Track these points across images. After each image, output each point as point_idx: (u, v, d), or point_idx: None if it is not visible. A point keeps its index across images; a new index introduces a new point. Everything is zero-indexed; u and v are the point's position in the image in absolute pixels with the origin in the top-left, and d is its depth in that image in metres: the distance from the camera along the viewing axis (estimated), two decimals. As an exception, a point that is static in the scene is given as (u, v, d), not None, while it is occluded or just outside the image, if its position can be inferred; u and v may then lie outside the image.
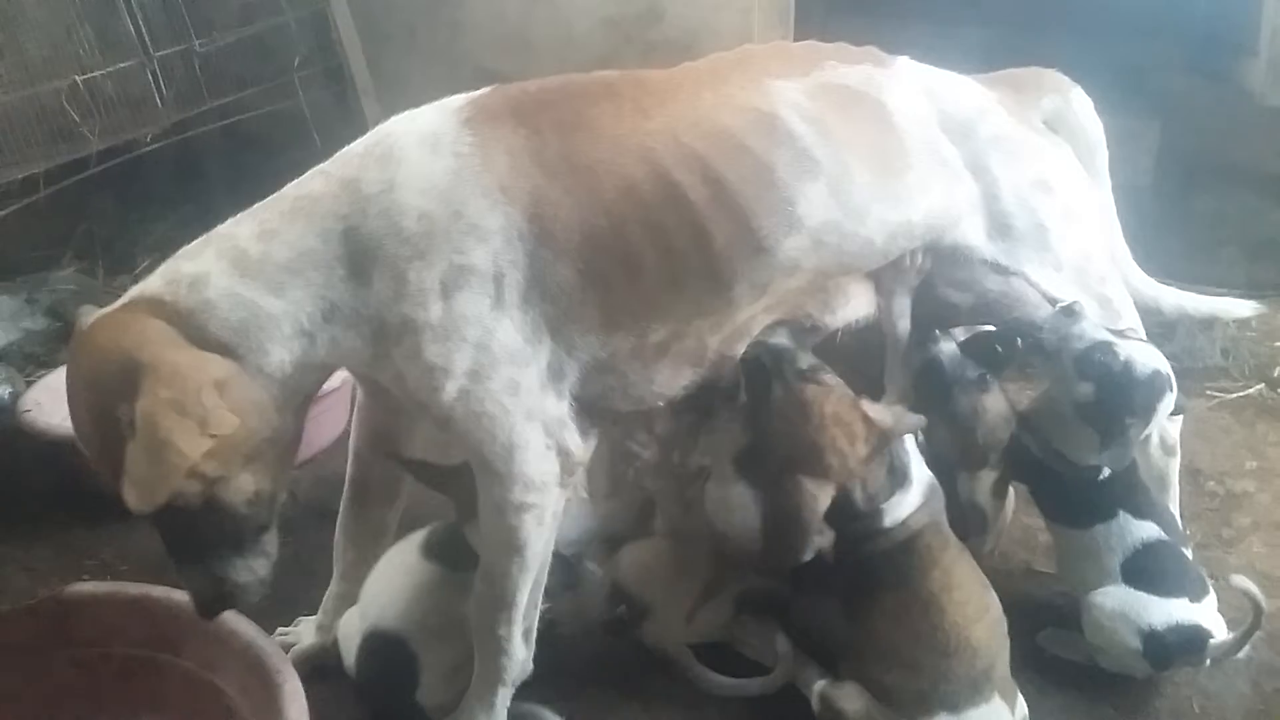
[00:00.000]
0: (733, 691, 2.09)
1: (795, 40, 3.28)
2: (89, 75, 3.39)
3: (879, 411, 1.95)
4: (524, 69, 3.47)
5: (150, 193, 4.38)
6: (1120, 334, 2.09)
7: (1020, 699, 1.91)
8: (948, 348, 2.14)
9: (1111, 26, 3.83)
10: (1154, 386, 2.01)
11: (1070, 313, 2.07)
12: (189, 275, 1.70)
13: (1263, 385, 3.19)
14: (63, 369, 2.96)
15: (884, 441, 1.94)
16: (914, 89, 2.12)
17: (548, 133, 1.85)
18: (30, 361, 3.50)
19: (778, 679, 2.08)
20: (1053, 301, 2.13)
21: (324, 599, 2.21)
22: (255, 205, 1.81)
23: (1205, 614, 2.02)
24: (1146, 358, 2.04)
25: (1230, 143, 3.66)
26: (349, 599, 2.16)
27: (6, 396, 3.07)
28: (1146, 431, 2.08)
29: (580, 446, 1.90)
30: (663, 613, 2.14)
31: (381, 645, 1.98)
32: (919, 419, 2.00)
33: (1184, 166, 3.69)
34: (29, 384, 3.08)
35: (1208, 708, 2.02)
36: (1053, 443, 2.13)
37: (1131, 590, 2.02)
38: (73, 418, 1.69)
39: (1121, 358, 2.01)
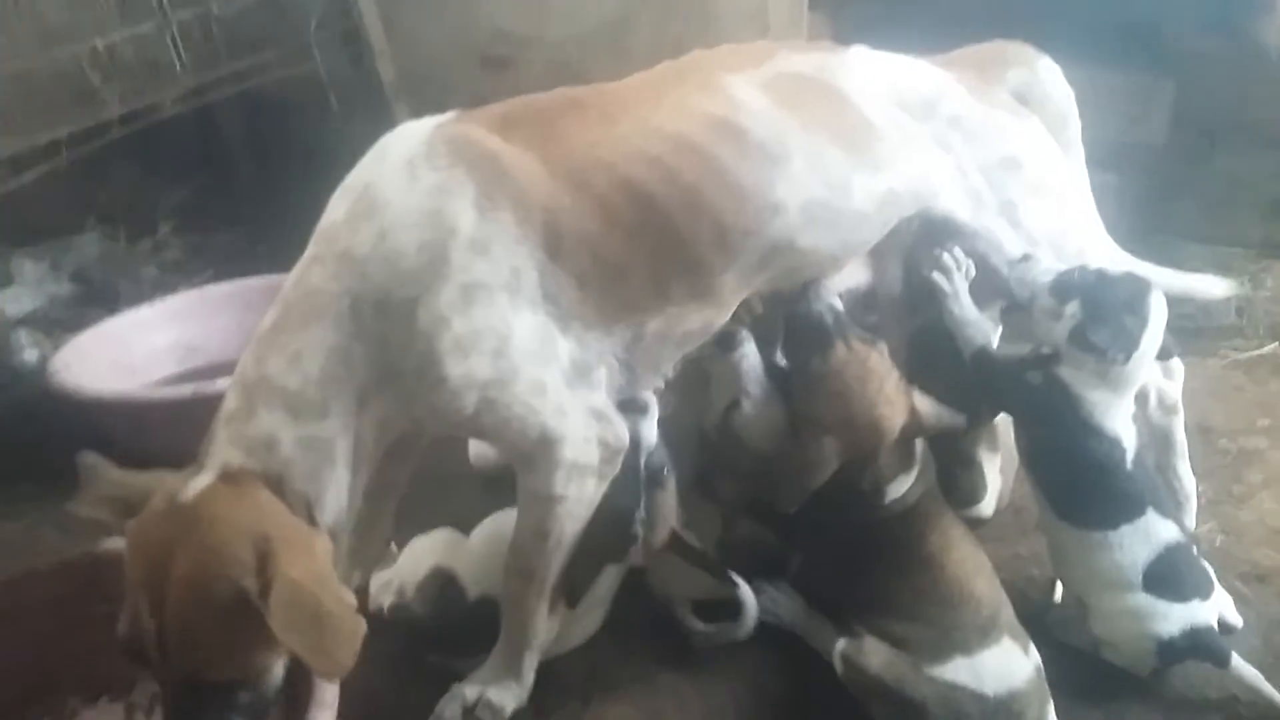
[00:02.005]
0: (709, 639, 2.12)
1: (809, 8, 3.29)
2: (108, 39, 3.39)
3: (924, 403, 2.01)
4: (538, 31, 3.50)
5: (170, 157, 4.39)
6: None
7: (1033, 646, 1.93)
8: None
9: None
10: (1133, 282, 1.99)
11: (1026, 258, 2.08)
12: (258, 438, 1.70)
13: (1276, 344, 3.21)
14: (90, 331, 3.09)
15: (918, 433, 2.00)
16: (869, 73, 2.13)
17: (520, 144, 1.86)
18: (57, 326, 3.54)
19: (745, 624, 2.10)
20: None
21: (338, 555, 2.24)
22: (265, 327, 1.78)
23: (1215, 610, 2.00)
24: (1115, 266, 2.04)
25: (1246, 101, 3.63)
26: (360, 554, 2.19)
27: (35, 359, 3.15)
28: (1149, 337, 1.97)
29: (619, 436, 1.93)
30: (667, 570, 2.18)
31: (492, 607, 2.02)
32: (961, 420, 2.03)
33: (1199, 125, 3.66)
34: (56, 348, 3.11)
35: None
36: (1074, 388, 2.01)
37: (1151, 599, 1.96)
38: (151, 584, 1.58)
39: (1091, 268, 2.02)
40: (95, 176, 4.06)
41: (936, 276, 2.12)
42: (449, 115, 1.92)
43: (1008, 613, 1.96)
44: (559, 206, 1.84)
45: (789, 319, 2.06)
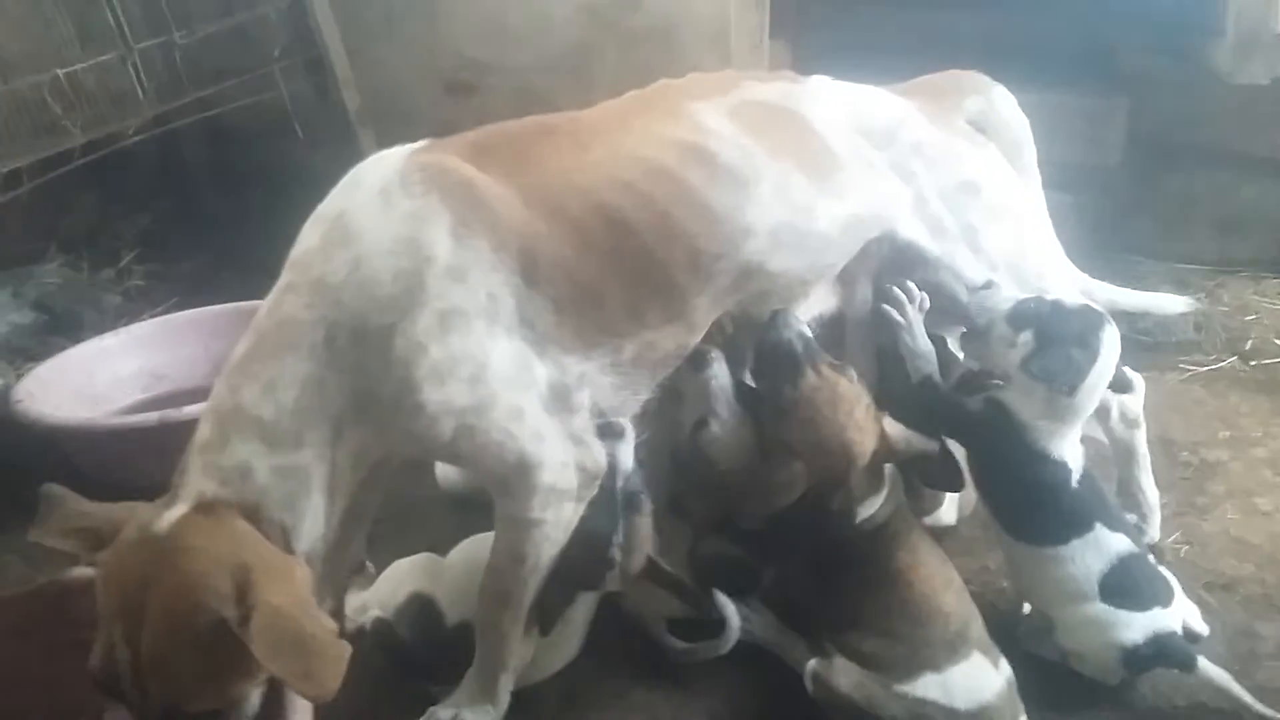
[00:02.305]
0: (689, 656, 2.13)
1: (770, 25, 3.33)
2: (70, 69, 3.37)
3: (895, 428, 2.03)
4: (502, 57, 3.52)
5: (133, 186, 4.38)
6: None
7: (1003, 659, 1.95)
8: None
9: (1080, 7, 3.89)
10: (1088, 316, 2.03)
11: (988, 285, 2.13)
12: (232, 467, 1.69)
13: (1235, 358, 3.26)
14: (53, 360, 3.07)
15: (889, 458, 2.02)
16: (830, 101, 2.18)
17: (495, 172, 1.87)
18: (19, 355, 3.50)
19: (726, 640, 2.10)
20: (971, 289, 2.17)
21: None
22: (239, 356, 1.77)
23: (1177, 615, 2.02)
24: (1073, 298, 2.08)
25: (1199, 121, 3.72)
26: (333, 580, 2.16)
27: (-2, 388, 3.11)
28: (1097, 372, 2.01)
29: (597, 461, 1.93)
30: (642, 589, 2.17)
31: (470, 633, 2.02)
32: (932, 446, 2.05)
33: (1153, 145, 3.74)
34: (19, 377, 3.08)
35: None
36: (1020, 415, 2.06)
37: (1109, 609, 1.99)
38: (126, 615, 1.56)
39: (1049, 299, 2.06)
40: (58, 205, 4.04)
41: (889, 309, 2.15)
42: (422, 143, 1.92)
43: (978, 627, 1.98)
44: (534, 233, 1.84)
45: (759, 346, 2.07)
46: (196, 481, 1.68)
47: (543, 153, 1.93)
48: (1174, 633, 1.98)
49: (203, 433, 1.73)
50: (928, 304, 2.16)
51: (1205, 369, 3.21)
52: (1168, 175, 3.79)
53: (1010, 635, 2.09)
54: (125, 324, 3.53)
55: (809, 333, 2.06)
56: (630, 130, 2.00)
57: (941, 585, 2.00)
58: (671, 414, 2.18)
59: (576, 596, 2.07)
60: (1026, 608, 2.22)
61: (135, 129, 3.58)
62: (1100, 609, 1.99)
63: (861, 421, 1.99)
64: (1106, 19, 3.85)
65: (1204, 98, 3.62)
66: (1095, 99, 3.64)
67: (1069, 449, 2.06)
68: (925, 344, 2.13)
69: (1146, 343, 3.21)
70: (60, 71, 3.34)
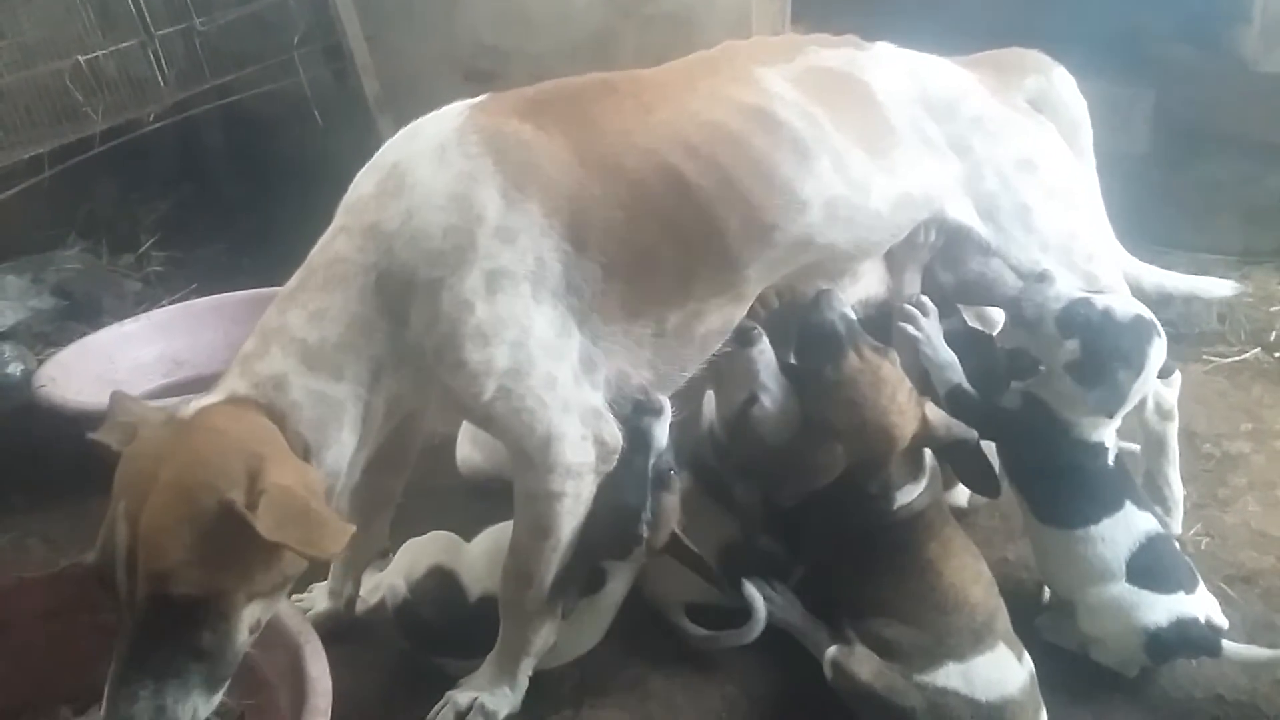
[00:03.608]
0: (712, 643, 2.13)
1: (791, 11, 3.32)
2: (91, 55, 3.39)
3: (936, 413, 2.02)
4: (521, 45, 3.51)
5: (152, 172, 4.41)
6: (1095, 291, 2.09)
7: (1026, 655, 1.93)
8: (953, 326, 2.19)
9: (1106, -4, 3.86)
10: (1138, 330, 2.01)
11: (1042, 278, 2.09)
12: (269, 376, 1.72)
13: (1259, 349, 3.24)
14: (75, 345, 3.08)
15: (930, 443, 2.02)
16: (896, 70, 2.16)
17: (553, 130, 1.87)
18: (39, 340, 3.53)
19: (752, 629, 2.10)
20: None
21: (332, 565, 2.25)
22: (289, 287, 1.82)
23: (1200, 604, 2.00)
24: (1126, 305, 2.05)
25: (1225, 110, 3.68)
26: (355, 562, 2.22)
27: (19, 373, 3.13)
28: (1141, 382, 2.02)
29: (615, 435, 1.93)
30: (661, 573, 2.18)
31: (492, 608, 2.02)
32: (971, 434, 2.04)
33: (1179, 134, 3.72)
34: (40, 362, 3.11)
35: (1204, 663, 2.04)
36: (1061, 412, 2.07)
37: (1134, 589, 1.98)
38: (134, 490, 1.56)
39: (1100, 308, 2.02)
40: (78, 191, 4.06)
41: (904, 325, 2.14)
42: (483, 98, 1.93)
43: (1003, 620, 1.97)
44: (588, 195, 1.85)
45: (802, 325, 2.06)
46: (232, 383, 1.73)
47: (603, 111, 1.93)
48: (1197, 620, 1.97)
49: (247, 345, 1.78)
50: (940, 242, 2.16)
51: (1229, 360, 3.19)
52: (1193, 164, 3.76)
53: (1028, 625, 2.09)
54: (145, 310, 3.55)
55: (852, 314, 2.06)
56: (695, 92, 1.99)
57: (971, 578, 1.99)
58: (716, 392, 2.19)
59: (603, 567, 2.05)
60: (1046, 597, 2.22)
61: (155, 115, 3.60)
62: (1125, 589, 1.98)
63: (903, 405, 1.98)
64: (1133, 6, 3.82)
65: (1231, 86, 3.59)
66: (1121, 87, 3.61)
67: (1108, 434, 2.06)
68: (946, 354, 2.13)
69: (1170, 334, 3.14)
70: (81, 58, 3.36)
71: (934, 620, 1.93)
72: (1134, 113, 3.62)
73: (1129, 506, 2.03)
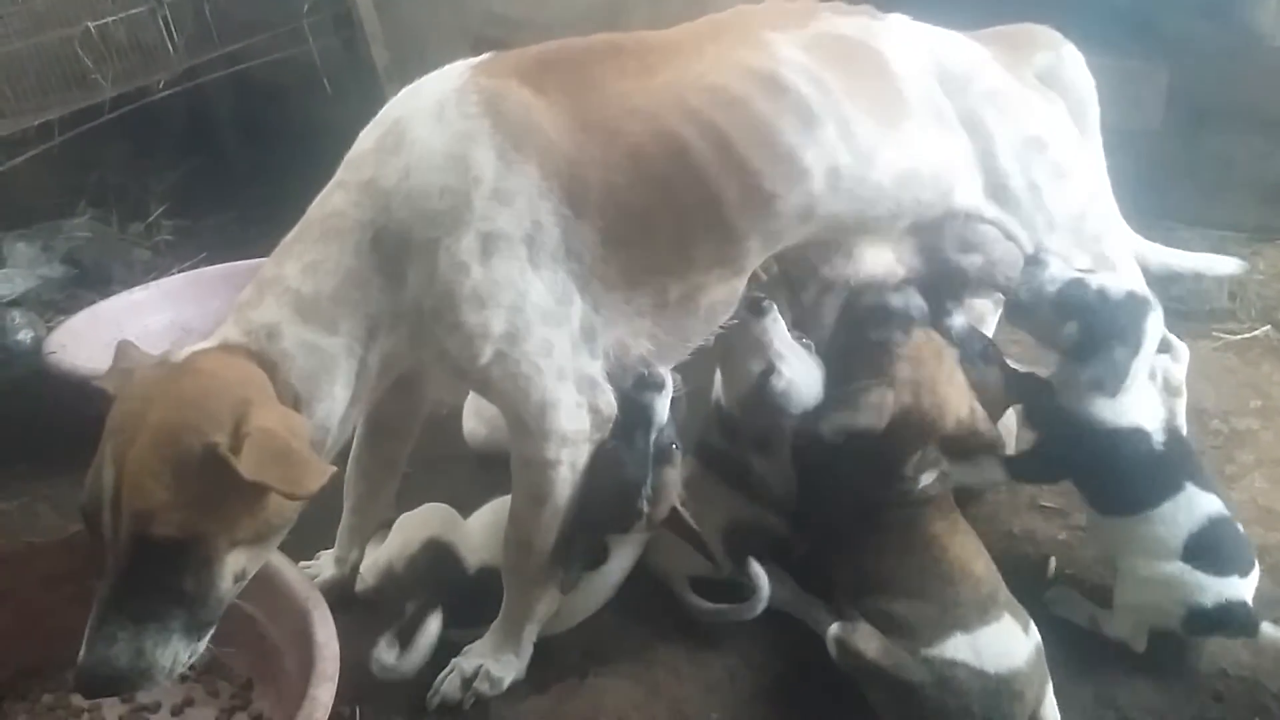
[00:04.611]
0: (716, 617, 2.13)
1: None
2: (101, 21, 3.38)
3: (981, 411, 2.05)
4: (530, 13, 3.49)
5: (162, 140, 4.40)
6: (1088, 271, 2.09)
7: (1033, 625, 1.92)
8: (958, 321, 2.17)
9: (1121, -31, 3.82)
10: (1131, 306, 2.02)
11: (1037, 261, 2.09)
12: (262, 324, 1.73)
13: (1269, 327, 3.22)
14: (84, 312, 3.09)
15: (969, 431, 2.03)
16: (910, 41, 2.14)
17: (554, 92, 1.86)
18: (49, 308, 3.55)
19: (755, 605, 2.10)
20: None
21: (339, 532, 2.27)
22: (286, 240, 1.83)
23: (1251, 586, 1.98)
24: (1119, 283, 2.06)
25: (1239, 85, 3.64)
26: (361, 530, 2.24)
27: (29, 340, 3.15)
28: (1141, 359, 2.02)
29: (610, 404, 1.93)
30: (666, 546, 2.18)
31: (492, 579, 2.04)
32: (1003, 439, 2.08)
33: (1193, 109, 3.69)
34: (50, 329, 3.11)
35: (1210, 639, 2.05)
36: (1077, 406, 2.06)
37: (1188, 569, 1.95)
38: (121, 431, 1.59)
39: (1094, 287, 2.03)
40: (87, 159, 4.06)
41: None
42: (485, 58, 1.92)
43: (1005, 594, 1.96)
44: (587, 159, 1.84)
45: (872, 307, 2.09)
46: (226, 330, 1.75)
47: (606, 73, 1.91)
48: (1244, 602, 1.95)
49: (244, 294, 1.79)
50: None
51: (1239, 337, 3.18)
52: (1206, 140, 3.73)
53: (1034, 600, 2.07)
54: (154, 278, 3.55)
55: (925, 306, 2.10)
56: (701, 55, 1.97)
57: (973, 553, 1.99)
58: (723, 370, 2.20)
59: (605, 542, 2.07)
60: (1051, 570, 2.21)
61: (165, 83, 3.59)
62: (1178, 568, 1.96)
63: (959, 384, 2.01)
64: (1147, -20, 3.78)
65: (1245, 62, 3.55)
66: (1136, 62, 3.58)
67: (1141, 413, 2.04)
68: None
69: (1180, 310, 3.16)
70: (91, 24, 3.35)
71: (939, 591, 1.92)
72: (1148, 88, 3.59)
73: (1190, 488, 2.00)
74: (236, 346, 1.71)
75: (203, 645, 1.66)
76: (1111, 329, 2.00)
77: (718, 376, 2.25)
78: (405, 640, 1.98)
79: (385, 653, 1.95)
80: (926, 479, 2.03)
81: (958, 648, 1.84)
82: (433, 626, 2.00)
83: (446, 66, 1.92)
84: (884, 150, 2.02)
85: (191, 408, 1.58)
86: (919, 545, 1.99)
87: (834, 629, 1.94)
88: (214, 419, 1.56)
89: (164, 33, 3.60)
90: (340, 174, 1.85)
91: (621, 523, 1.98)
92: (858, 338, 2.10)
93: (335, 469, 1.61)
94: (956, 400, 2.01)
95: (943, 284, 2.20)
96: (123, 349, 1.79)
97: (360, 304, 1.77)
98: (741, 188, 1.91)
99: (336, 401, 1.78)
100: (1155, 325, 2.03)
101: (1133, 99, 3.49)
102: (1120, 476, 2.03)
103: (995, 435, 2.08)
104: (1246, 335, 3.19)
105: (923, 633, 1.87)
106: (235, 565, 1.64)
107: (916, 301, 2.10)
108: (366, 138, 1.87)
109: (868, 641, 1.89)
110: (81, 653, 1.58)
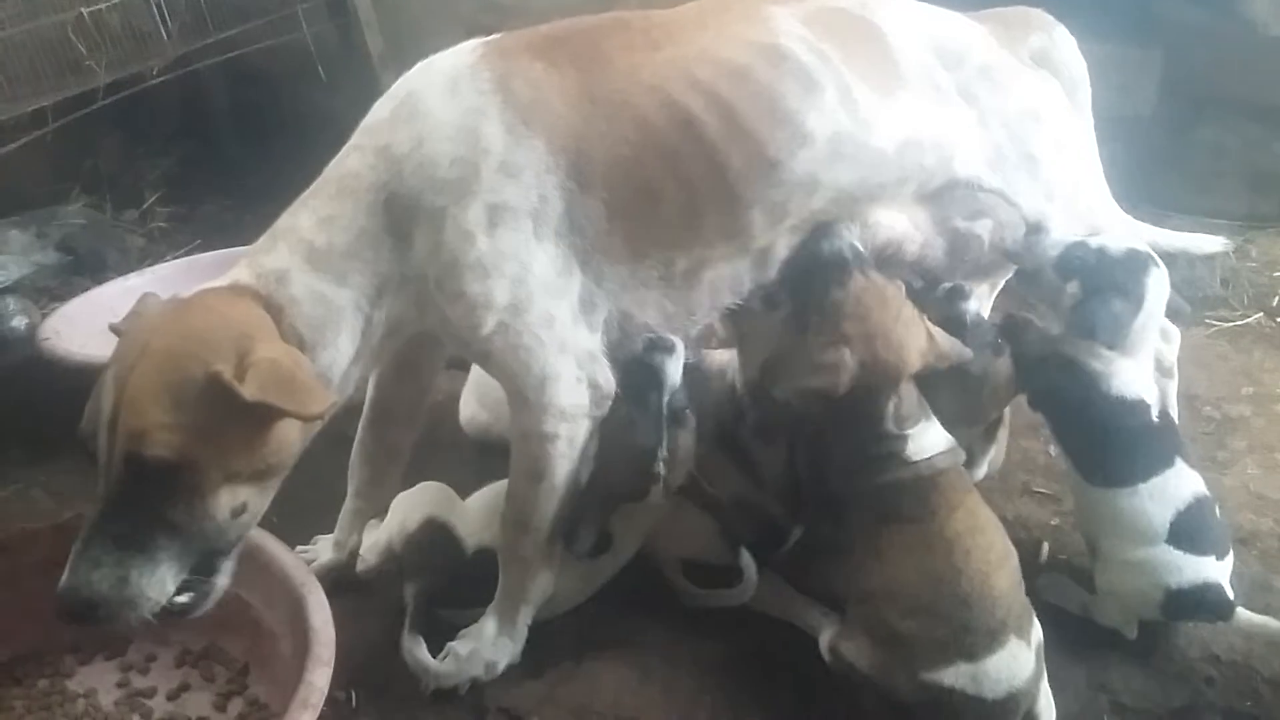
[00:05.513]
0: (704, 601, 2.14)
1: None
2: (94, 7, 3.37)
3: (940, 333, 2.00)
4: (525, 0, 3.48)
5: (156, 127, 4.40)
6: (1090, 235, 2.11)
7: (1036, 624, 1.86)
8: (972, 306, 2.14)
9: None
10: (1133, 263, 2.05)
11: (1037, 229, 2.13)
12: (272, 269, 1.77)
13: (1261, 314, 3.25)
14: (79, 299, 3.08)
15: (937, 361, 1.98)
16: (907, 15, 2.18)
17: (564, 66, 1.90)
18: (43, 295, 3.54)
19: (743, 592, 2.11)
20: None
21: (340, 516, 2.28)
22: (301, 197, 1.87)
23: (1227, 570, 1.99)
24: (1120, 241, 2.09)
25: (1232, 74, 3.66)
26: (363, 515, 2.25)
27: (24, 326, 3.15)
28: (1145, 315, 2.04)
29: (609, 380, 1.95)
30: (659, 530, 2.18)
31: (489, 561, 2.05)
32: (969, 352, 2.02)
33: (1186, 97, 3.70)
34: (44, 315, 3.12)
35: (1201, 624, 2.05)
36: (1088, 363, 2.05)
37: (1170, 549, 1.95)
38: (125, 359, 1.61)
39: (1094, 247, 2.07)
40: (81, 146, 4.05)
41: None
42: (498, 36, 1.96)
43: (1019, 603, 1.85)
44: (594, 133, 1.87)
45: (806, 256, 2.05)
46: (237, 272, 1.79)
47: (614, 48, 1.96)
48: (1219, 585, 1.96)
49: (257, 243, 1.83)
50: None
51: (1231, 324, 3.20)
52: (1199, 127, 3.74)
53: (1028, 586, 2.05)
54: (148, 265, 3.56)
55: (858, 244, 2.04)
56: (705, 29, 2.02)
57: (997, 561, 1.85)
58: (740, 351, 2.21)
59: (619, 509, 2.04)
60: (1044, 555, 2.22)
61: (159, 70, 3.58)
62: (1161, 550, 1.96)
63: (909, 322, 1.96)
64: (1142, -33, 3.78)
65: (1239, 49, 3.56)
66: (1130, 48, 3.59)
67: (1143, 387, 2.06)
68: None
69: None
70: (85, 10, 3.34)
71: (953, 612, 1.78)
72: (1141, 74, 3.59)
73: (1179, 463, 2.02)
74: (245, 288, 1.74)
75: (213, 591, 1.71)
76: (1111, 283, 2.03)
77: (734, 357, 2.25)
78: (421, 629, 2.00)
79: (419, 650, 1.97)
80: (919, 437, 1.93)
81: (958, 676, 1.75)
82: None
83: (461, 44, 1.96)
84: (883, 116, 2.04)
85: (195, 337, 1.62)
86: (940, 548, 1.85)
87: (827, 636, 1.92)
88: (218, 349, 1.60)
89: (158, 19, 3.60)
90: (356, 138, 1.90)
91: (638, 488, 1.98)
92: (801, 301, 2.04)
93: (339, 397, 1.65)
94: (913, 338, 1.95)
95: (955, 258, 2.22)
96: (145, 299, 1.81)
97: (371, 262, 1.81)
98: (746, 155, 1.94)
99: (340, 353, 1.81)
100: (1158, 283, 2.05)
101: (1126, 85, 3.50)
102: (1120, 446, 2.03)
103: (961, 350, 2.01)
104: (1239, 322, 3.21)
105: (924, 656, 1.78)
106: (232, 500, 1.66)
107: (847, 240, 2.04)
108: (382, 107, 1.91)
109: (861, 655, 1.84)
110: (65, 575, 1.58)
